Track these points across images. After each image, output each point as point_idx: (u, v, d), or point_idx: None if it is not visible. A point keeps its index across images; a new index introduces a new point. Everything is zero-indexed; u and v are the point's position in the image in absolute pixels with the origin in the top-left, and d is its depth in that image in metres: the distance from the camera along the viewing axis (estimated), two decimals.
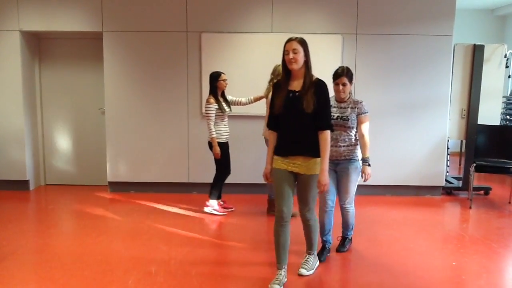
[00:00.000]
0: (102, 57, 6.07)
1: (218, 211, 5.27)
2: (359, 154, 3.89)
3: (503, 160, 5.80)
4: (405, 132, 6.06)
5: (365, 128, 3.82)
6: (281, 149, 3.31)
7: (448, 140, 6.24)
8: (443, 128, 6.07)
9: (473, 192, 5.91)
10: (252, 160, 6.10)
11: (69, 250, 4.17)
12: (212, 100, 5.04)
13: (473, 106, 6.11)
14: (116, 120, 6.10)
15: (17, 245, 4.29)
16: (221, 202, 5.42)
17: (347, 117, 3.78)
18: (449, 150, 6.51)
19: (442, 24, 5.91)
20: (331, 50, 5.89)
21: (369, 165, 3.79)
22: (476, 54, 6.07)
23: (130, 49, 5.98)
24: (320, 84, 3.20)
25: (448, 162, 6.60)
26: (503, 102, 7.74)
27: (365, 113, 3.83)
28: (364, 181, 3.81)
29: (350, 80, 3.79)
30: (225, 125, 5.18)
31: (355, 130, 3.85)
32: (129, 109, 6.09)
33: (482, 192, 6.33)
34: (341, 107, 3.85)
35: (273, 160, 3.34)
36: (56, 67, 6.46)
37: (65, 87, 6.49)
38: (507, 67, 6.62)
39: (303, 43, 3.21)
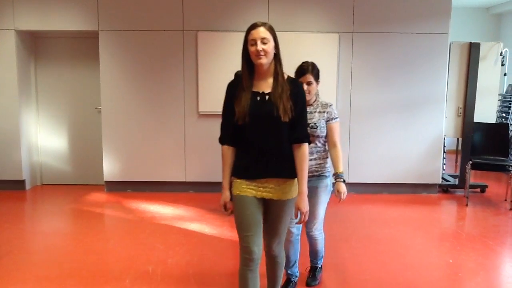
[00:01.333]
0: (98, 56, 6.05)
1: None
2: (330, 168, 3.24)
3: (499, 158, 5.82)
4: (402, 130, 6.07)
5: (337, 136, 3.17)
6: (246, 171, 2.54)
7: (444, 138, 6.26)
8: (439, 126, 6.08)
9: (470, 189, 5.93)
10: None
11: (66, 250, 4.16)
12: None
13: (469, 104, 6.12)
14: (112, 119, 6.08)
15: (13, 245, 4.28)
16: None
17: (315, 124, 3.10)
18: (445, 148, 6.52)
19: (438, 22, 5.92)
20: (327, 48, 5.88)
21: (344, 181, 3.10)
22: (472, 52, 6.09)
23: (126, 48, 5.97)
24: (296, 84, 2.53)
25: (445, 160, 6.62)
26: (499, 100, 7.76)
27: (335, 118, 3.17)
28: (339, 201, 3.13)
29: (317, 78, 3.12)
30: None
31: (325, 139, 3.19)
32: (126, 108, 6.08)
33: (478, 189, 6.35)
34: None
35: (234, 184, 2.58)
36: (52, 66, 6.44)
37: (61, 86, 6.47)
38: (503, 65, 6.64)
39: (272, 30, 2.52)
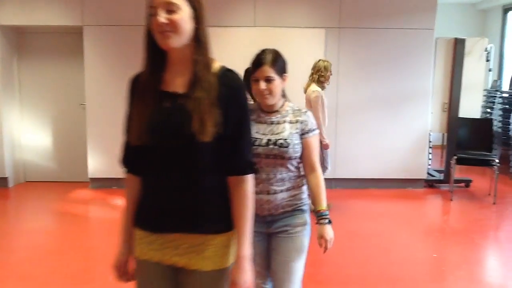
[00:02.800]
0: (82, 52, 5.97)
1: None
2: (307, 201, 2.26)
3: (483, 153, 5.86)
4: (388, 125, 6.09)
5: (316, 156, 2.21)
6: (147, 218, 1.61)
7: (430, 134, 6.29)
8: (425, 122, 6.12)
9: (454, 184, 5.97)
10: None
11: (49, 248, 4.12)
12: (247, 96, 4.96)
13: (454, 100, 6.16)
14: (97, 115, 6.02)
15: None
16: None
17: (285, 141, 2.12)
18: (431, 143, 6.56)
19: (424, 18, 5.93)
20: (314, 44, 5.87)
21: (329, 222, 2.17)
22: (458, 47, 6.12)
23: (111, 44, 5.90)
24: (230, 79, 1.56)
25: (430, 155, 6.66)
26: (483, 96, 7.82)
27: (313, 130, 2.19)
28: (324, 251, 2.18)
29: (281, 72, 2.15)
30: None
31: (299, 161, 2.19)
32: (110, 104, 6.01)
33: (463, 184, 6.40)
34: (271, 123, 2.18)
35: (136, 239, 1.64)
36: (35, 62, 6.34)
37: (45, 82, 6.38)
38: (487, 60, 6.69)
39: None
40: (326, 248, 2.16)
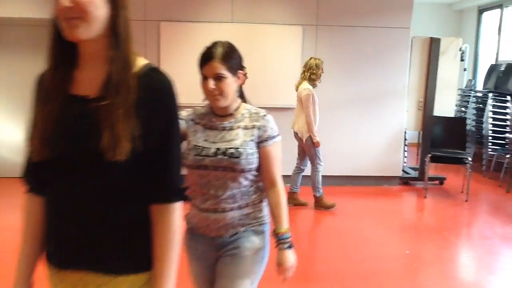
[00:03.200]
0: None
1: None
2: (267, 218, 1.94)
3: (457, 151, 5.96)
4: (364, 123, 6.13)
5: (277, 168, 1.86)
6: (52, 250, 1.32)
7: (405, 132, 6.36)
8: (400, 120, 6.19)
9: (429, 182, 6.06)
10: None
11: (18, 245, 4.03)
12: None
13: (429, 98, 6.24)
14: None
15: None
16: None
17: (236, 150, 1.79)
18: (407, 141, 6.64)
19: (401, 17, 5.99)
20: (291, 41, 5.88)
21: (290, 246, 1.87)
22: (433, 47, 6.19)
23: None
24: (155, 80, 1.24)
25: (406, 153, 6.74)
26: (458, 95, 7.95)
27: (274, 137, 1.85)
28: (284, 280, 1.89)
29: (235, 69, 1.84)
30: None
31: (255, 174, 1.85)
32: None
33: (437, 182, 6.50)
34: (223, 129, 1.86)
35: (48, 276, 1.34)
36: (9, 55, 6.19)
37: (17, 76, 6.23)
38: (462, 60, 6.79)
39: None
40: (286, 275, 1.86)
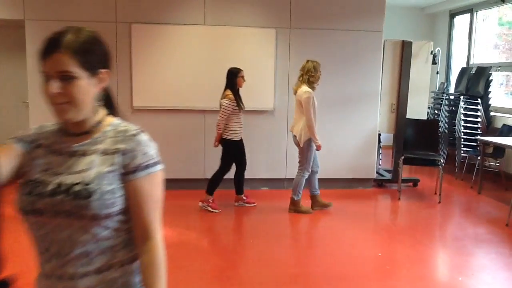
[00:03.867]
0: (24, 47, 5.71)
1: (212, 208, 5.10)
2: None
3: (430, 153, 6.01)
4: (338, 126, 6.14)
5: (154, 214, 1.29)
6: None
7: (379, 134, 6.39)
8: (374, 122, 6.21)
9: (402, 184, 6.10)
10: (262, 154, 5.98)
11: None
12: (231, 96, 4.93)
13: (402, 101, 6.28)
14: (40, 114, 5.71)
15: None
16: (244, 197, 5.29)
17: (86, 187, 1.20)
18: (381, 143, 6.68)
19: (373, 20, 6.03)
20: (264, 44, 5.85)
21: None
22: (405, 50, 6.25)
23: None
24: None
25: (380, 155, 6.78)
26: (431, 97, 8.04)
27: (148, 166, 1.28)
28: None
29: (93, 67, 1.26)
30: (240, 122, 5.06)
31: (122, 219, 1.26)
32: None
33: (411, 184, 6.55)
34: (71, 154, 1.28)
35: None
36: None
37: None
38: (435, 63, 6.88)
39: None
40: None
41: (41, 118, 5.64)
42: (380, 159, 6.80)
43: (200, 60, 5.78)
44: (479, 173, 6.24)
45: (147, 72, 5.76)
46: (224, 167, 5.13)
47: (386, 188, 6.40)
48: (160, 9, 5.73)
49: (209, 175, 5.66)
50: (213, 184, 5.13)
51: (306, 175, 5.04)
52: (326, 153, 6.15)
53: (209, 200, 5.11)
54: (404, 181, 6.27)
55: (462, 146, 6.89)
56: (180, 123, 5.92)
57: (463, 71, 7.83)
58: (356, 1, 5.98)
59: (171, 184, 6.05)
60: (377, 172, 6.46)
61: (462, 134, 6.89)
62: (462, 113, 6.93)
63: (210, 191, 5.11)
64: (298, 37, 5.96)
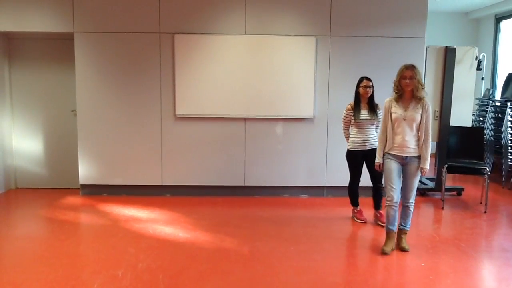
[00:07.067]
0: (73, 58, 5.97)
1: (357, 218, 5.22)
2: None
3: (474, 161, 5.86)
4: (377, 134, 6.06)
5: None
6: None
7: None
8: None
9: (446, 193, 5.95)
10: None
11: (36, 254, 4.08)
12: (349, 106, 5.01)
13: (445, 108, 6.16)
14: (88, 122, 6.01)
15: None
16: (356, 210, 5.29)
17: None
18: None
19: (415, 27, 5.95)
20: (304, 52, 5.88)
21: None
22: (448, 56, 6.13)
23: (102, 51, 5.90)
24: None
25: None
26: (476, 104, 7.83)
27: None
28: None
29: None
30: (359, 132, 4.98)
31: None
32: (101, 111, 6.01)
33: (455, 193, 6.39)
34: None
35: None
36: (27, 68, 6.34)
37: (36, 88, 6.37)
38: (479, 69, 6.70)
39: None
40: None
41: (88, 126, 5.94)
42: None
43: (241, 68, 5.87)
44: None
45: (189, 81, 5.90)
46: (350, 176, 5.19)
47: (428, 196, 6.27)
48: (202, 20, 5.87)
49: (249, 182, 5.72)
50: (349, 195, 5.26)
51: None
52: None
53: (354, 210, 5.26)
54: (447, 190, 6.13)
55: (509, 154, 6.67)
56: (221, 130, 6.02)
57: (509, 77, 7.59)
58: (397, 7, 5.93)
59: (213, 190, 6.19)
60: (420, 181, 6.33)
61: (509, 142, 6.67)
62: (509, 120, 6.72)
63: (352, 203, 5.26)
64: (338, 45, 5.96)
